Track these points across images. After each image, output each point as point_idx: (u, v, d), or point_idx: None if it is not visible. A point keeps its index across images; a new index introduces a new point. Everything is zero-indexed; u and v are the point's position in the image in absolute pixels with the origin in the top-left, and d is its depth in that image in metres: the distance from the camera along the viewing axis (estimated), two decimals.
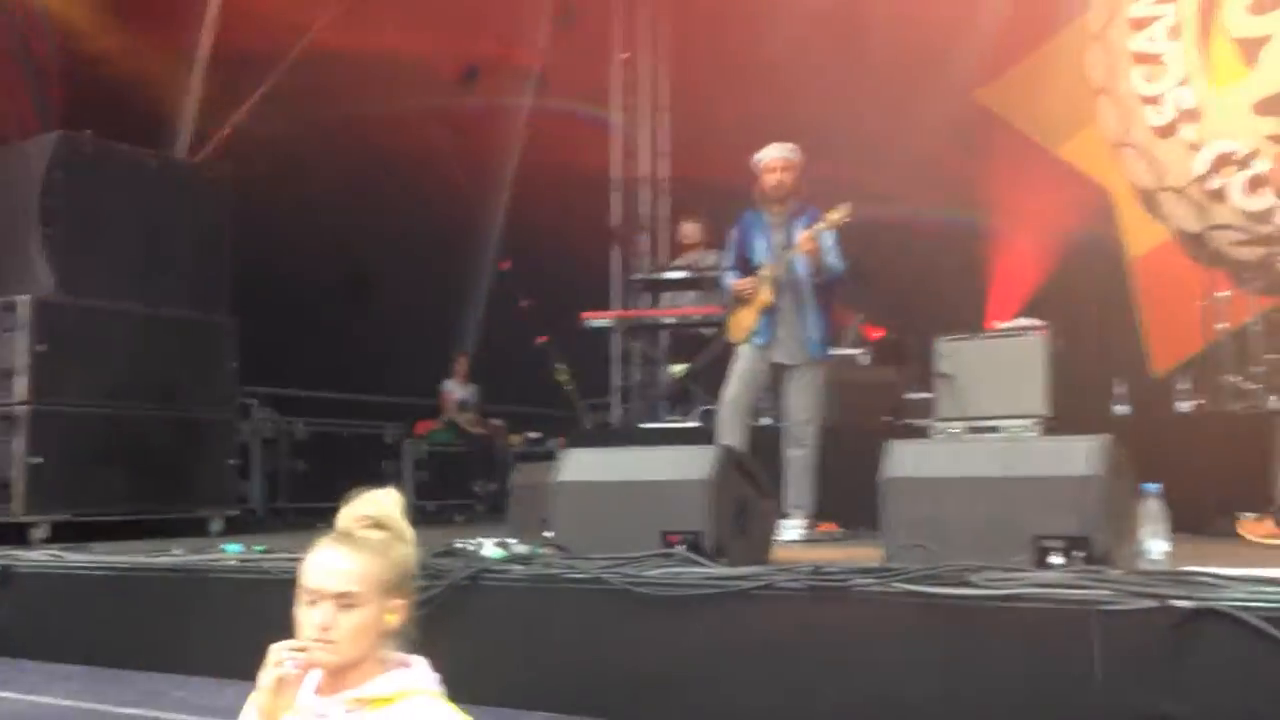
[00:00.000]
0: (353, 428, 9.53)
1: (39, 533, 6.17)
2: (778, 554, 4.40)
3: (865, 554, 4.02)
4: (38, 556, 5.14)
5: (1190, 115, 8.20)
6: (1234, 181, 7.61)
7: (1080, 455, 3.47)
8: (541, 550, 4.17)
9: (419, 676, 1.92)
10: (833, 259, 5.78)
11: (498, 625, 3.73)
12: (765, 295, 5.82)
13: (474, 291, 10.84)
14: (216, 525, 6.99)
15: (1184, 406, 6.47)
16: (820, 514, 5.84)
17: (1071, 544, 3.39)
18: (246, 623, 3.29)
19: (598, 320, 8.56)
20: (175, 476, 6.84)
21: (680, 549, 3.83)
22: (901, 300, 7.95)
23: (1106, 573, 3.15)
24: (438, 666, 1.97)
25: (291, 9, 8.39)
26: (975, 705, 3.04)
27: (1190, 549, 4.02)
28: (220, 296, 7.31)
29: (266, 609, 2.87)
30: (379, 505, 1.97)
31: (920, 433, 6.39)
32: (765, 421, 6.81)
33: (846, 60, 8.50)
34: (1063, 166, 8.52)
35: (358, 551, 1.90)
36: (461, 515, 9.39)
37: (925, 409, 6.70)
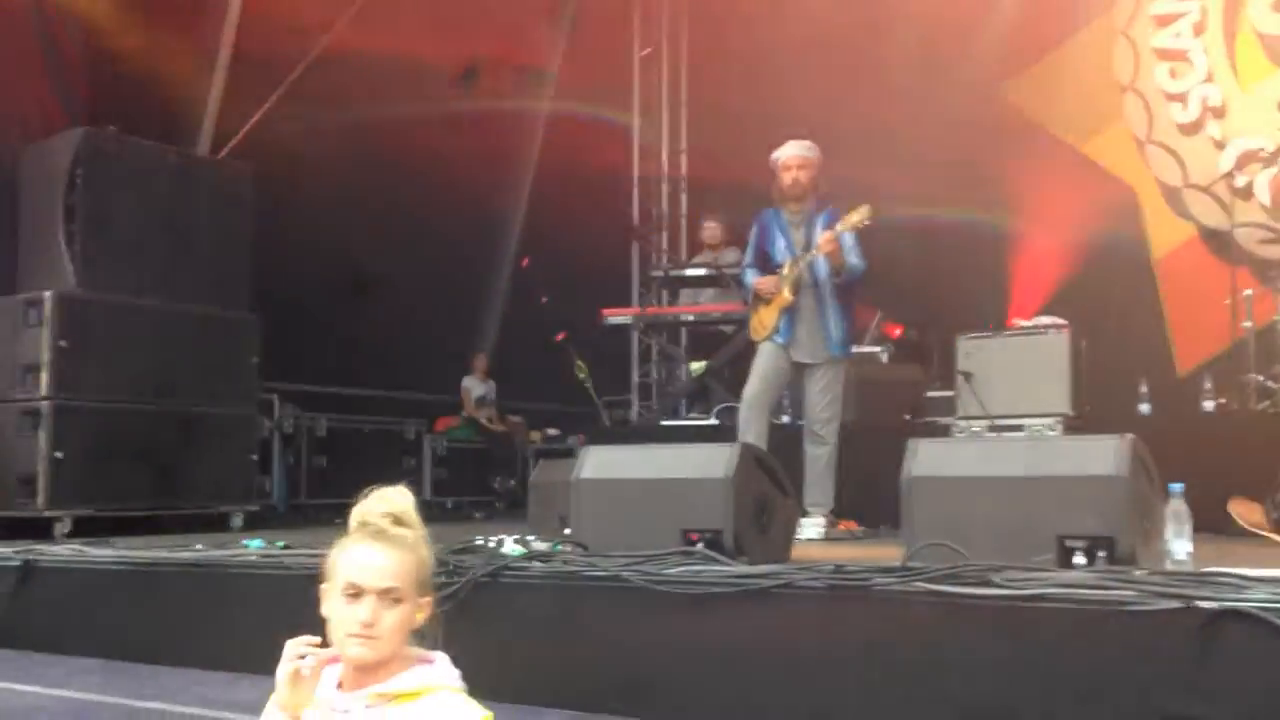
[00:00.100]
0: (372, 424, 9.56)
1: (61, 527, 6.22)
2: (798, 552, 4.38)
3: (885, 553, 4.00)
4: (60, 551, 5.17)
5: (1215, 112, 8.13)
6: (1260, 179, 7.54)
7: (1105, 455, 3.44)
8: (561, 547, 4.17)
9: (441, 672, 1.92)
10: (854, 258, 5.75)
11: (517, 622, 3.73)
12: (786, 294, 5.80)
13: (493, 289, 10.86)
14: (237, 520, 7.03)
15: (1208, 405, 6.41)
16: (840, 512, 5.82)
17: (1095, 544, 3.36)
18: (267, 618, 3.30)
19: (617, 317, 8.56)
20: (196, 471, 6.89)
21: (700, 547, 3.83)
22: (923, 297, 7.92)
23: (1130, 573, 3.12)
24: (457, 663, 1.97)
25: (312, 8, 8.42)
26: (997, 706, 3.02)
27: (1214, 549, 3.99)
28: (241, 292, 7.35)
29: (287, 605, 2.89)
30: (397, 503, 1.98)
31: (941, 431, 6.36)
32: (785, 419, 6.80)
33: (869, 56, 8.47)
34: (1087, 163, 8.47)
35: (396, 549, 1.91)
36: (480, 512, 9.41)
37: (946, 407, 6.67)
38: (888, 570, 3.29)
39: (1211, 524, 4.43)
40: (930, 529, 3.59)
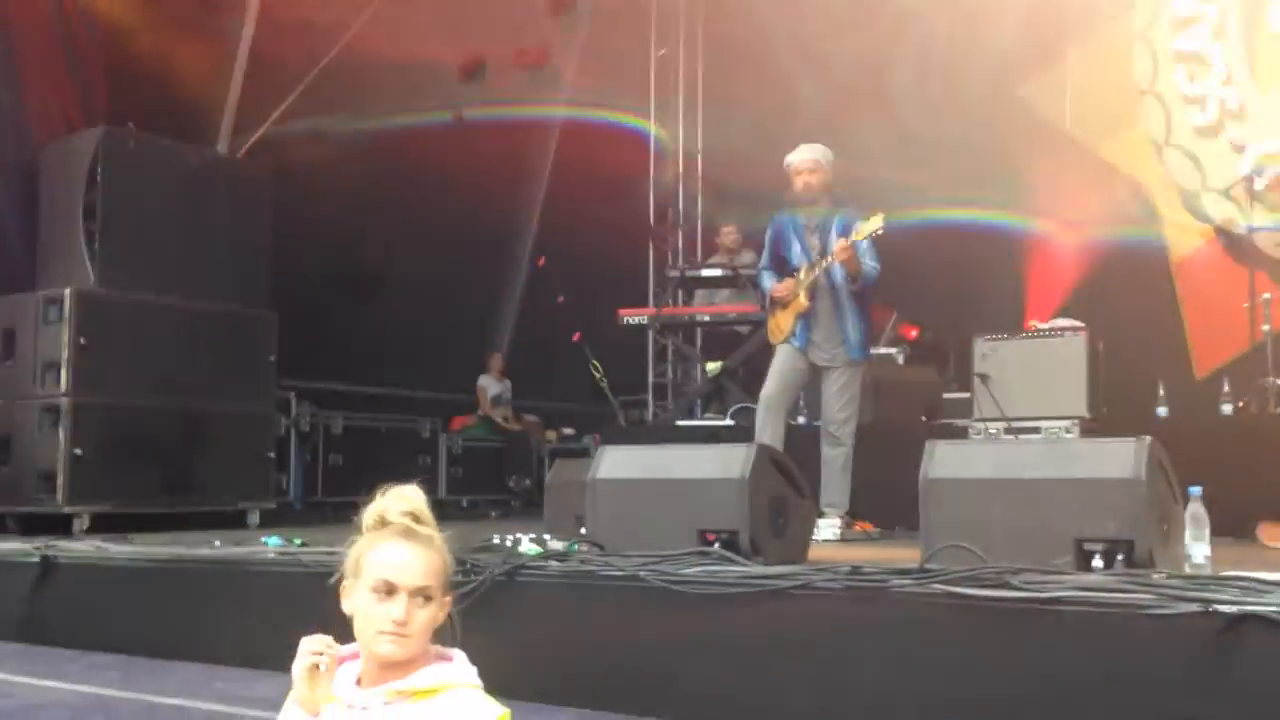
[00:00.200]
0: (389, 422, 9.59)
1: (80, 523, 6.26)
2: (814, 553, 4.38)
3: (902, 554, 4.00)
4: (79, 547, 5.21)
5: (1234, 115, 8.09)
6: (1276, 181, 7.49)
7: (1123, 457, 3.43)
8: (578, 547, 4.18)
9: (459, 670, 1.93)
10: (868, 262, 5.74)
11: (534, 621, 3.74)
12: (802, 300, 5.80)
13: (510, 288, 10.88)
14: (254, 517, 7.07)
15: (1227, 409, 6.38)
16: (856, 513, 5.82)
17: (1114, 547, 3.36)
18: (285, 615, 3.33)
19: (633, 317, 8.56)
20: (214, 468, 6.92)
21: (716, 547, 3.83)
22: (940, 299, 7.90)
23: (1149, 576, 3.11)
24: (473, 660, 1.98)
25: (330, 9, 8.45)
26: (1014, 708, 3.01)
27: (1233, 552, 3.98)
28: (259, 291, 7.38)
29: (305, 601, 2.90)
30: (415, 501, 1.99)
31: (958, 433, 6.35)
32: (802, 420, 6.80)
33: (886, 57, 8.45)
34: (1105, 166, 8.43)
35: (427, 548, 1.92)
36: (496, 511, 9.44)
37: (963, 409, 6.66)
38: (905, 572, 3.29)
39: (1230, 527, 4.41)
40: (948, 531, 3.59)
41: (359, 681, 1.94)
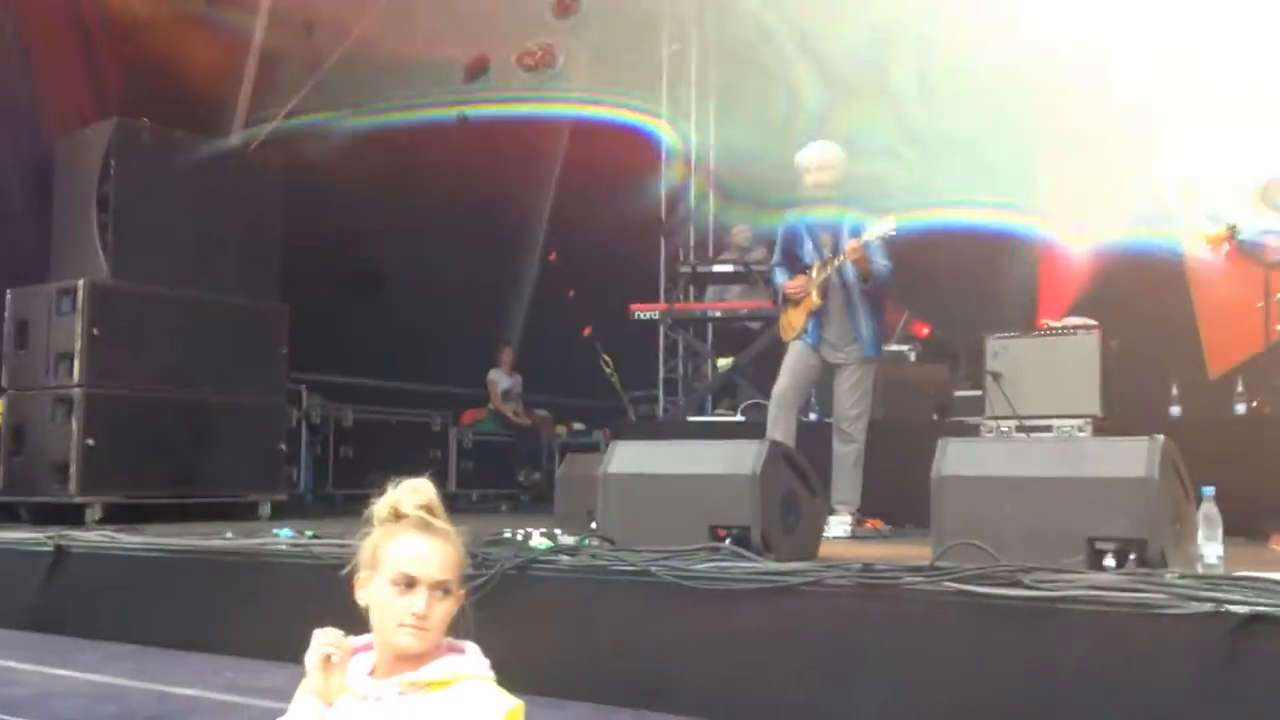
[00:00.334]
0: (399, 415, 9.61)
1: (92, 513, 6.29)
2: (824, 550, 4.38)
3: (913, 552, 3.99)
4: (92, 537, 5.23)
5: (1253, 119, 8.03)
6: None
7: (1136, 457, 3.43)
8: (589, 542, 4.18)
9: (472, 662, 1.94)
10: (879, 261, 5.73)
11: (544, 615, 3.75)
12: (814, 298, 5.80)
13: (521, 283, 10.88)
14: (265, 509, 7.08)
15: (1240, 408, 6.36)
16: (867, 510, 5.81)
17: (1126, 546, 3.35)
18: (296, 606, 3.34)
19: (645, 312, 8.56)
20: (225, 460, 6.94)
21: (727, 543, 3.83)
22: (951, 297, 7.88)
23: (1161, 576, 3.10)
24: (484, 653, 1.99)
25: (340, 4, 8.45)
26: (1025, 707, 3.01)
27: (1246, 553, 3.96)
28: (271, 283, 7.40)
29: (316, 593, 2.92)
30: (427, 494, 1.99)
31: (969, 430, 6.34)
32: (813, 417, 6.79)
33: (897, 55, 8.43)
34: (1118, 165, 8.39)
35: (445, 541, 1.93)
36: (506, 504, 9.45)
37: (974, 407, 6.64)
38: (917, 569, 3.28)
39: (1243, 528, 4.39)
40: (959, 529, 3.58)
41: (372, 672, 1.95)
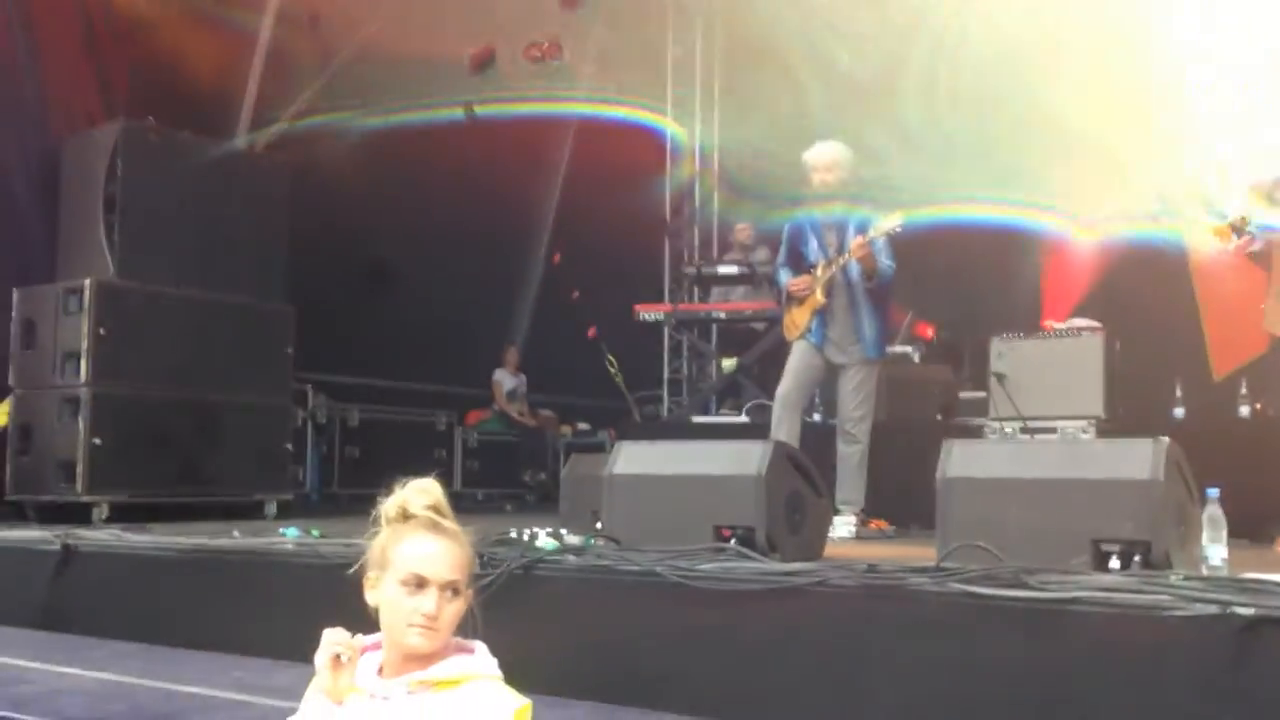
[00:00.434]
0: (404, 415, 9.63)
1: (99, 512, 6.31)
2: (829, 551, 4.39)
3: (917, 553, 4.00)
4: (100, 536, 5.25)
5: (1258, 118, 8.03)
6: None
7: (1140, 458, 3.43)
8: (594, 542, 4.19)
9: (480, 661, 1.95)
10: (884, 260, 5.75)
11: (550, 614, 3.76)
12: (818, 296, 5.81)
13: (526, 283, 10.90)
14: (271, 508, 7.10)
15: (1245, 410, 6.36)
16: (871, 511, 5.82)
17: (1130, 548, 3.36)
18: (304, 606, 3.35)
19: (650, 313, 8.58)
20: (231, 460, 6.96)
21: (732, 543, 3.84)
22: (955, 298, 7.88)
23: (1166, 577, 3.11)
24: (490, 652, 2.00)
25: (346, 3, 8.48)
26: (1030, 708, 3.02)
27: (1251, 555, 3.97)
28: (277, 283, 7.42)
29: (323, 592, 2.93)
30: (435, 495, 2.00)
31: (973, 432, 6.34)
32: (817, 418, 6.80)
33: (903, 55, 8.43)
34: (1123, 165, 8.39)
35: (455, 542, 1.94)
36: (510, 504, 9.46)
37: (979, 408, 6.65)
38: (921, 570, 3.29)
39: (1248, 530, 4.39)
40: (964, 530, 3.59)
41: (380, 671, 1.96)
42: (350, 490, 8.75)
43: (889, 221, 5.59)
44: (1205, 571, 3.44)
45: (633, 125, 10.50)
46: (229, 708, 3.62)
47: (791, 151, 6.16)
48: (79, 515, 6.20)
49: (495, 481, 9.96)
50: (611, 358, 8.80)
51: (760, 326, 8.22)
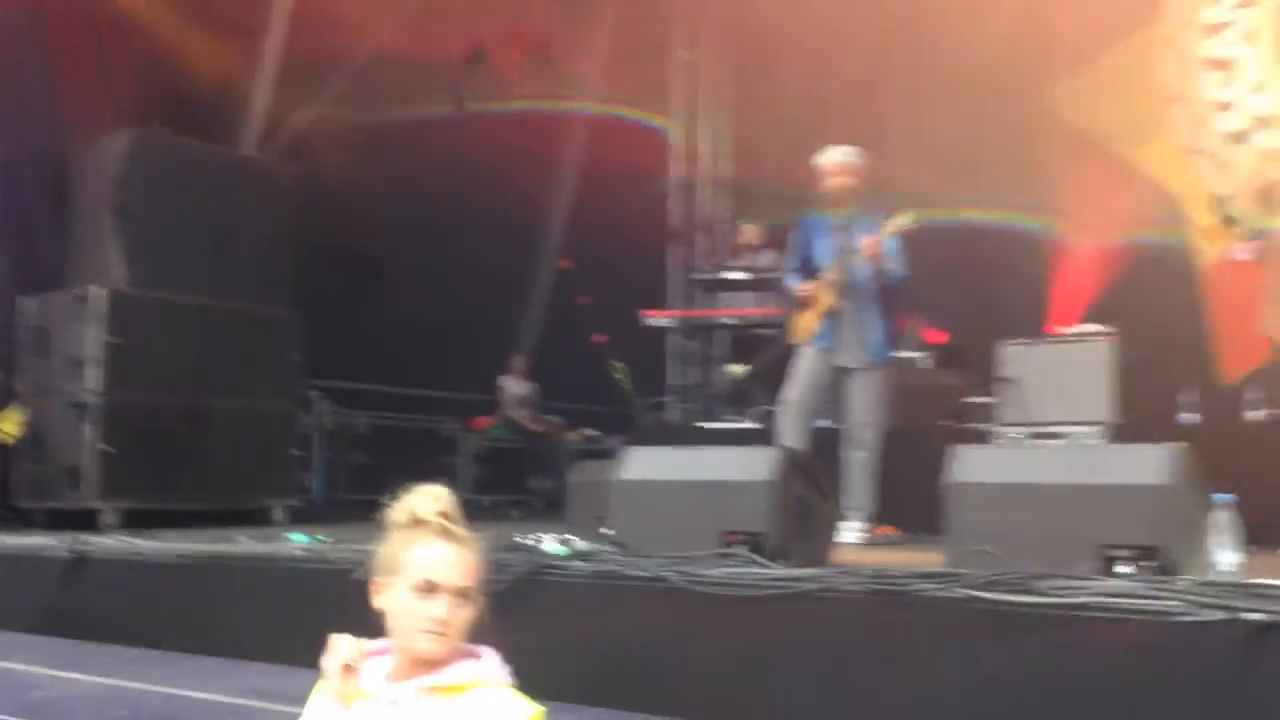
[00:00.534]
0: (411, 422, 9.63)
1: (107, 519, 6.32)
2: (837, 557, 4.38)
3: (926, 559, 3.98)
4: (107, 542, 5.26)
5: (1264, 122, 8.03)
6: None
7: (1151, 464, 3.42)
8: (602, 547, 4.18)
9: (491, 667, 1.95)
10: (894, 265, 5.74)
11: (558, 620, 3.75)
12: (827, 298, 5.80)
13: (533, 289, 10.90)
14: (279, 515, 7.11)
15: (1254, 415, 6.33)
16: (878, 517, 5.81)
17: (1140, 553, 3.34)
18: (310, 611, 3.35)
19: (657, 319, 8.57)
20: (239, 467, 6.98)
21: (740, 548, 3.83)
22: (964, 304, 7.87)
23: (1176, 583, 3.09)
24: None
25: (357, 8, 8.50)
26: (1037, 714, 3.00)
27: (1262, 561, 3.93)
28: (284, 290, 7.44)
29: (330, 598, 2.93)
30: (445, 501, 2.00)
31: (982, 437, 6.33)
32: (825, 423, 6.78)
33: (913, 60, 8.44)
34: (1133, 171, 8.39)
35: (466, 547, 1.94)
36: (517, 511, 9.45)
37: (987, 414, 6.63)
38: (929, 576, 3.28)
39: (1258, 536, 4.36)
40: (972, 535, 3.58)
41: (389, 677, 1.96)
42: (357, 496, 8.75)
43: (902, 219, 5.58)
44: (1216, 577, 3.42)
45: (640, 130, 10.51)
46: (235, 713, 3.63)
47: (798, 155, 6.16)
48: (87, 522, 6.21)
49: (502, 488, 9.94)
50: (617, 364, 8.80)
51: (768, 332, 8.21)
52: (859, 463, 5.79)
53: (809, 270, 5.98)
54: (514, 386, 10.54)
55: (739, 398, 8.33)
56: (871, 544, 5.55)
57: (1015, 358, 6.41)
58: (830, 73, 8.67)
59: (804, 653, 3.36)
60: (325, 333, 7.72)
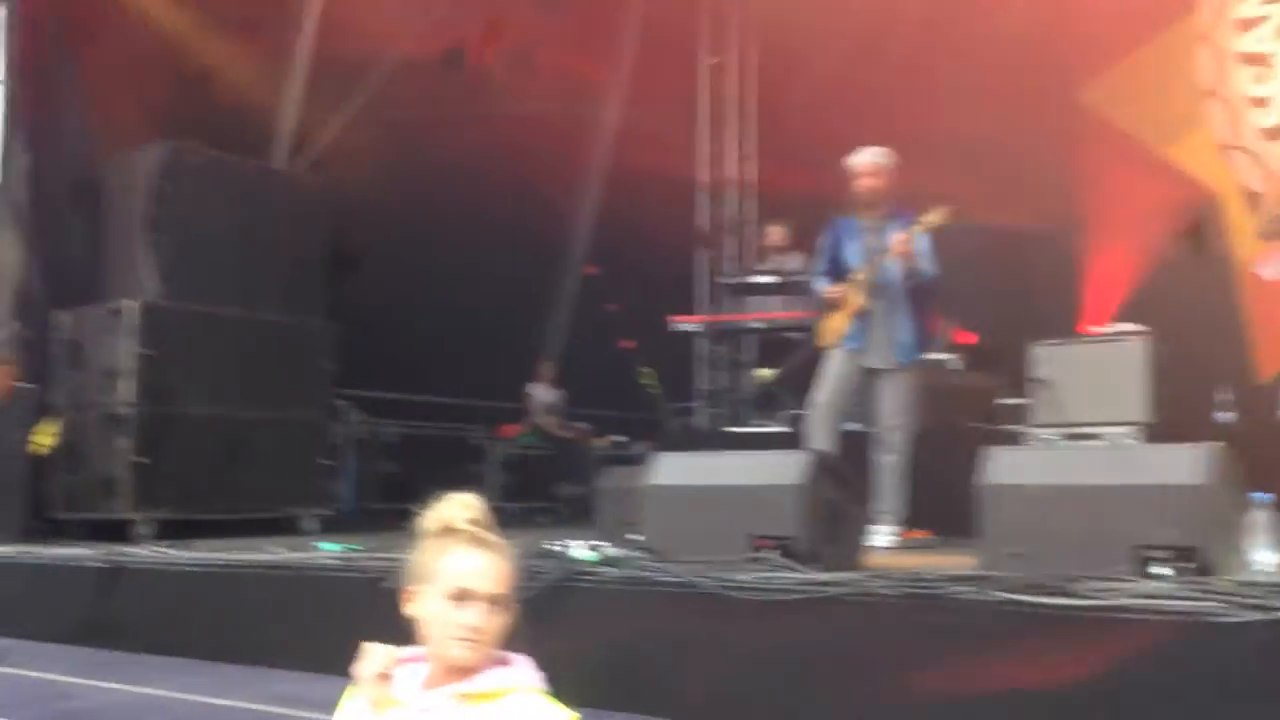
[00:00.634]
0: (439, 430, 9.65)
1: (142, 530, 6.37)
2: (868, 560, 4.35)
3: (958, 561, 3.95)
4: (143, 553, 5.31)
5: None
6: None
7: (1187, 463, 3.38)
8: (632, 553, 4.18)
9: (524, 673, 1.94)
10: (926, 264, 5.71)
11: (588, 626, 3.75)
12: (858, 299, 5.77)
13: (560, 296, 10.91)
14: (310, 524, 7.14)
15: None
16: (910, 520, 5.76)
17: (1177, 554, 3.29)
18: (343, 619, 3.36)
19: (686, 324, 8.55)
20: (271, 476, 7.02)
21: (771, 553, 3.81)
22: (996, 304, 7.80)
23: (1214, 584, 3.05)
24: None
25: (385, 19, 8.55)
26: (1076, 716, 2.97)
27: None
28: (315, 300, 7.48)
29: (362, 606, 2.94)
30: (477, 508, 2.00)
31: (1015, 439, 6.27)
32: (855, 426, 6.74)
33: (942, 59, 8.38)
34: (1168, 168, 8.30)
35: (500, 555, 1.94)
36: (545, 518, 9.45)
37: (1019, 415, 6.57)
38: (964, 579, 3.26)
39: None
40: (1006, 538, 3.55)
41: (423, 684, 1.96)
42: (387, 505, 8.77)
43: (934, 215, 5.55)
44: (1254, 577, 3.37)
45: (667, 135, 10.50)
46: None
47: (827, 158, 6.14)
48: (122, 532, 6.26)
49: (531, 495, 9.94)
50: (646, 370, 8.78)
51: (797, 336, 8.17)
52: (889, 465, 5.75)
53: (838, 272, 5.95)
54: (542, 393, 10.55)
55: (767, 402, 8.29)
56: (903, 547, 5.51)
57: (1047, 358, 6.34)
58: (857, 74, 8.64)
59: (837, 656, 3.33)
60: (354, 342, 7.76)
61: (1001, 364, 7.41)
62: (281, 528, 6.87)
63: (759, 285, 8.63)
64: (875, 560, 4.40)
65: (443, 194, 9.24)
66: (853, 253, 5.90)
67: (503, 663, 1.95)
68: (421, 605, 1.94)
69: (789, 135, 9.55)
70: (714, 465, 4.40)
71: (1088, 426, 5.98)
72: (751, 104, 10.78)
